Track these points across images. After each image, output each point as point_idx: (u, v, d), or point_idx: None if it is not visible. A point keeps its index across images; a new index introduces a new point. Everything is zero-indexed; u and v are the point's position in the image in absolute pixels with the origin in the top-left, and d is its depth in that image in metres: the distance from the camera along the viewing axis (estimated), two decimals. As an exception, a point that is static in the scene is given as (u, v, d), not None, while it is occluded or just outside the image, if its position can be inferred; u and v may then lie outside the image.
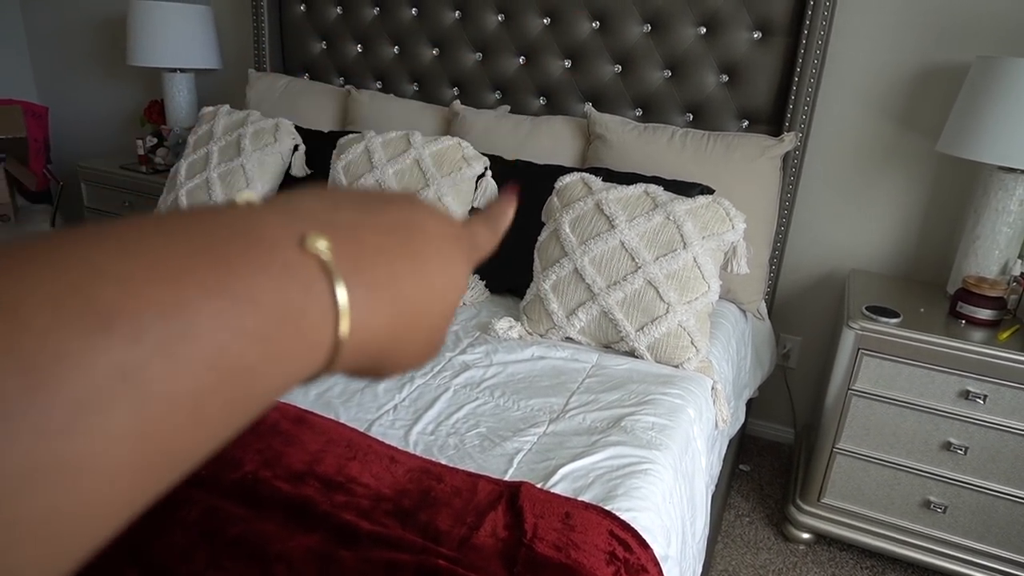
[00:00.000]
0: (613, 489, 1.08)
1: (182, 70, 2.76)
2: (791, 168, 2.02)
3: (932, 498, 1.79)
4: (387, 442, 1.15)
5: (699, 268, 1.53)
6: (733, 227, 1.57)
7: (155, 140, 2.89)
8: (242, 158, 2.04)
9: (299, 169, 2.10)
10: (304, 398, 1.29)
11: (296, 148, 2.11)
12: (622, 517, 1.00)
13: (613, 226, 1.56)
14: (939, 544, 1.81)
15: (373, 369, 0.27)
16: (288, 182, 2.13)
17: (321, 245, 0.22)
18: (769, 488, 2.23)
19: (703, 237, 1.54)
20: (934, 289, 2.01)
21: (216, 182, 2.04)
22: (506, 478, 1.10)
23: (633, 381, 1.44)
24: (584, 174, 1.70)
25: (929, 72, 1.96)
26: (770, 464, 2.36)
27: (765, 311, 2.02)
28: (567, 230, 1.61)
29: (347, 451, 1.09)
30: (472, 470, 1.11)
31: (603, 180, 1.70)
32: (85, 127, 3.32)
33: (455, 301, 0.29)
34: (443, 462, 1.13)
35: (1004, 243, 1.81)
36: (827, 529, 1.92)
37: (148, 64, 2.63)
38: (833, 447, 1.86)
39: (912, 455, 1.79)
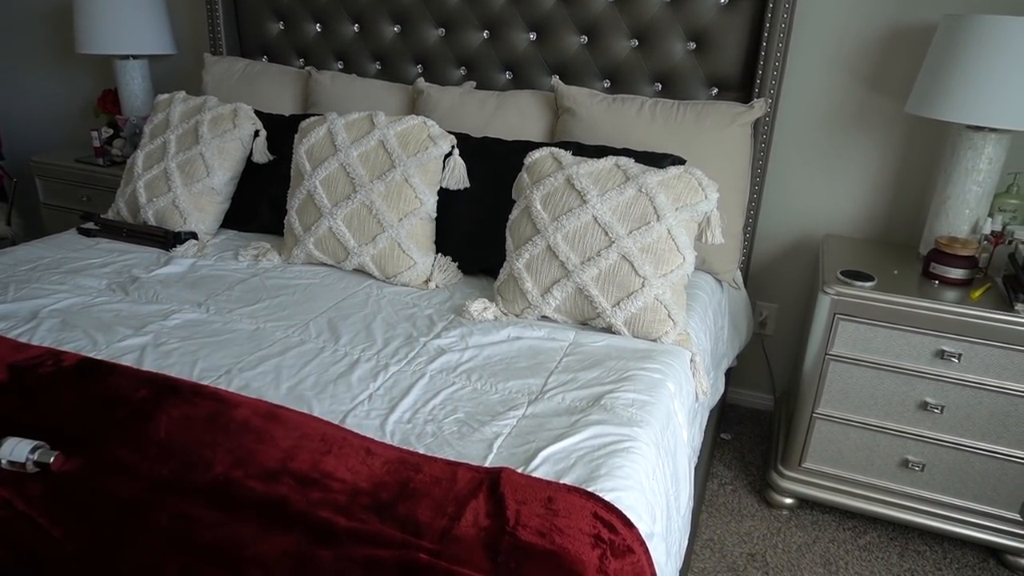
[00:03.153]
0: (595, 470, 1.06)
1: (135, 57, 2.66)
2: (762, 135, 2.00)
3: (910, 457, 1.81)
4: (363, 433, 1.12)
5: (673, 240, 1.51)
6: (706, 197, 1.55)
7: (111, 131, 2.79)
8: (200, 146, 1.97)
9: (261, 155, 2.04)
10: (276, 392, 1.25)
11: (257, 133, 2.04)
12: (606, 498, 0.99)
13: (585, 201, 1.53)
14: (918, 502, 1.84)
15: None
16: (250, 169, 2.07)
17: None
18: (751, 455, 2.25)
19: (676, 209, 1.52)
20: (907, 251, 2.02)
21: (175, 172, 1.97)
22: (486, 464, 1.08)
23: (611, 358, 1.42)
24: (553, 149, 1.67)
25: (897, 33, 1.95)
26: (750, 431, 2.37)
27: (740, 280, 2.01)
28: (538, 207, 1.58)
29: (322, 445, 1.06)
30: (451, 458, 1.08)
31: (573, 154, 1.67)
32: (36, 121, 3.20)
33: None
34: (421, 451, 1.10)
35: (974, 202, 1.81)
36: (809, 493, 1.94)
37: (98, 52, 2.53)
38: (812, 412, 1.87)
39: (890, 416, 1.80)
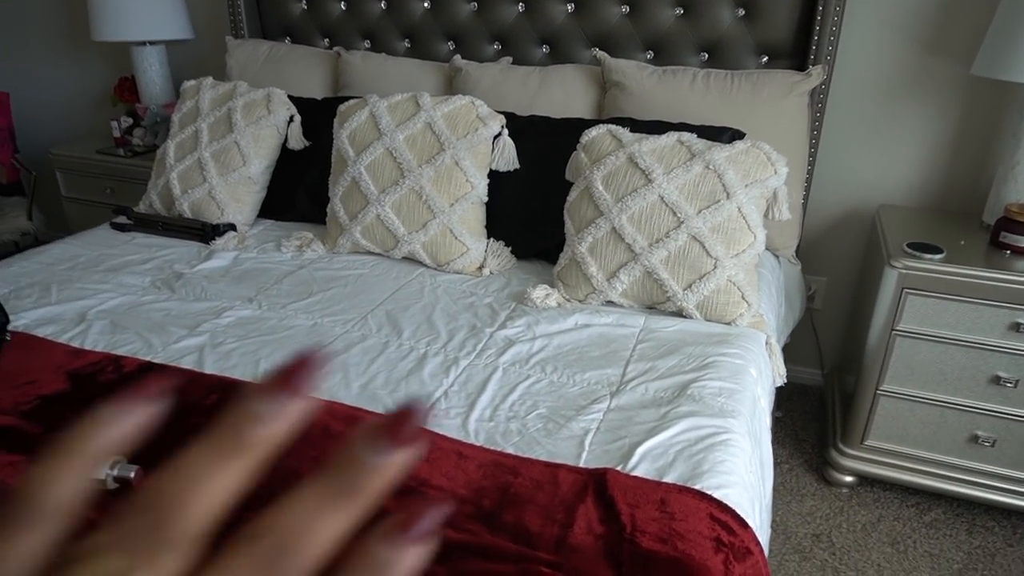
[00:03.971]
0: (698, 466, 1.01)
1: (151, 43, 2.58)
2: (816, 104, 1.93)
3: (980, 432, 1.76)
4: (448, 435, 1.07)
5: (744, 218, 1.44)
6: (776, 172, 1.48)
7: (130, 120, 2.71)
8: (235, 134, 1.90)
9: (296, 141, 1.97)
10: (347, 392, 1.20)
11: (291, 119, 1.97)
12: (717, 496, 0.94)
13: (650, 180, 1.46)
14: (986, 477, 1.79)
15: None
16: (285, 156, 2.00)
17: None
18: (803, 433, 2.20)
19: (746, 185, 1.45)
20: (968, 220, 1.95)
21: (209, 162, 1.90)
22: (580, 463, 1.03)
23: (687, 343, 1.36)
24: (611, 126, 1.60)
25: (957, -9, 1.86)
26: (801, 408, 2.33)
27: (796, 256, 1.95)
28: (600, 187, 1.51)
29: (410, 449, 1.01)
30: (543, 458, 1.03)
31: (630, 131, 1.60)
32: (52, 111, 3.12)
33: None
34: (510, 451, 1.05)
35: (1045, 167, 1.74)
36: (869, 471, 1.90)
37: (114, 39, 2.45)
38: (876, 389, 1.81)
39: (959, 392, 1.75)
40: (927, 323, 1.71)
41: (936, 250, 1.69)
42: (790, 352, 2.41)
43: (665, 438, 1.08)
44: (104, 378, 1.17)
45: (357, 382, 1.23)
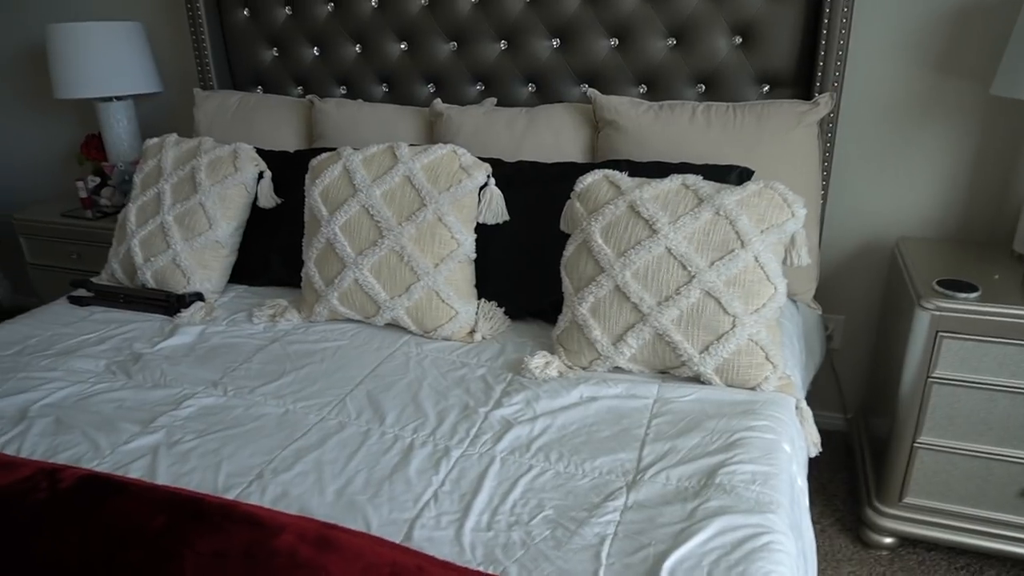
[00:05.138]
0: (739, 583, 0.84)
1: (118, 98, 2.45)
2: (826, 134, 1.79)
3: (1032, 486, 1.59)
4: (440, 556, 0.90)
5: (762, 268, 1.29)
6: (793, 214, 1.33)
7: (97, 179, 2.57)
8: (199, 195, 1.75)
9: (267, 199, 1.82)
10: (320, 500, 1.03)
11: (261, 175, 1.83)
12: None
13: (655, 230, 1.31)
14: (1043, 535, 1.62)
15: None
16: (256, 215, 1.85)
17: None
18: (832, 486, 2.03)
19: (761, 231, 1.30)
20: (996, 250, 1.81)
21: (173, 226, 1.75)
22: (598, 584, 0.86)
23: (709, 416, 1.20)
24: (607, 171, 1.45)
25: (969, 8, 1.73)
26: (827, 457, 2.15)
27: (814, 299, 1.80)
28: (599, 240, 1.36)
29: (392, 580, 0.84)
30: (554, 579, 0.86)
31: (628, 175, 1.46)
32: (15, 173, 2.97)
33: None
34: (514, 572, 0.88)
35: (1080, 192, 1.60)
36: (911, 531, 1.72)
37: (78, 95, 2.32)
38: (913, 442, 1.65)
39: (1006, 442, 1.58)
40: (966, 368, 1.55)
41: (970, 288, 1.54)
42: (810, 396, 2.25)
43: (696, 545, 0.91)
44: (34, 498, 1.00)
45: (333, 486, 1.06)
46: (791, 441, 1.17)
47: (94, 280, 1.86)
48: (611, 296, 1.33)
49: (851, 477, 2.04)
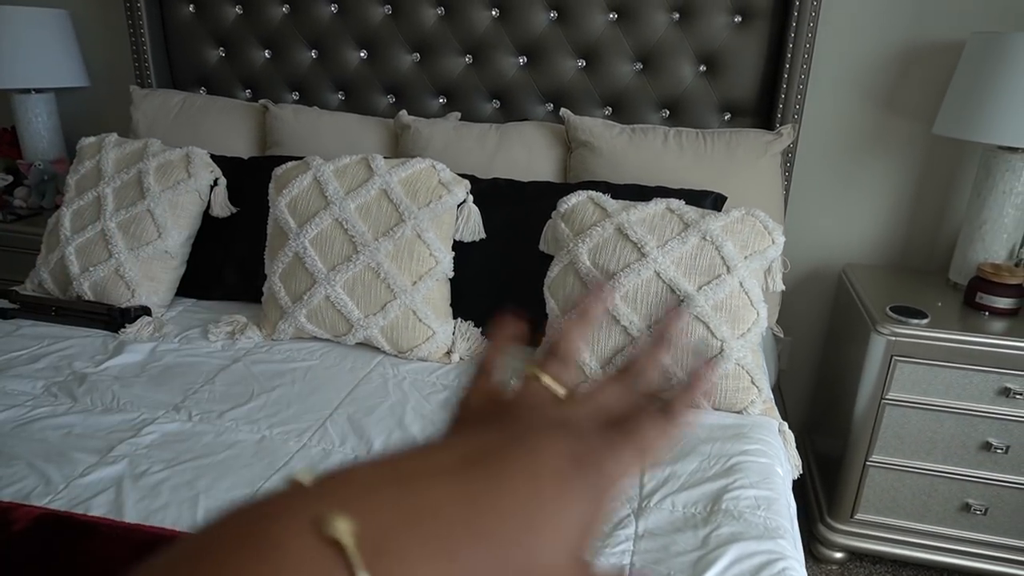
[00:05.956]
0: (766, 614, 0.84)
1: (38, 90, 2.25)
2: (786, 163, 1.86)
3: (971, 501, 1.70)
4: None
5: (747, 294, 1.32)
6: (773, 241, 1.37)
7: (9, 178, 2.35)
8: (148, 201, 1.62)
9: (221, 208, 1.71)
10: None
11: (216, 182, 1.71)
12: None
13: (643, 254, 1.32)
14: (980, 547, 1.72)
15: None
16: (208, 225, 1.73)
17: (342, 529, 0.19)
18: (780, 503, 2.09)
19: (746, 257, 1.33)
20: (934, 278, 1.92)
21: (116, 233, 1.61)
22: (625, 619, 0.84)
23: (701, 440, 1.21)
24: (591, 192, 1.45)
25: (913, 52, 1.85)
26: (772, 474, 2.22)
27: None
28: (587, 262, 1.35)
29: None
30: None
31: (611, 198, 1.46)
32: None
33: (568, 557, 0.23)
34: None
35: (1012, 226, 1.73)
36: (860, 546, 1.79)
37: (-7, 86, 2.11)
38: (866, 461, 1.72)
39: (949, 459, 1.68)
40: (917, 390, 1.64)
41: (921, 314, 1.63)
42: (756, 415, 2.32)
43: (717, 574, 0.90)
44: (-14, 543, 0.88)
45: (327, 520, 0.99)
46: (781, 463, 1.19)
47: (18, 290, 1.69)
48: (599, 319, 1.32)
49: (802, 494, 2.11)
